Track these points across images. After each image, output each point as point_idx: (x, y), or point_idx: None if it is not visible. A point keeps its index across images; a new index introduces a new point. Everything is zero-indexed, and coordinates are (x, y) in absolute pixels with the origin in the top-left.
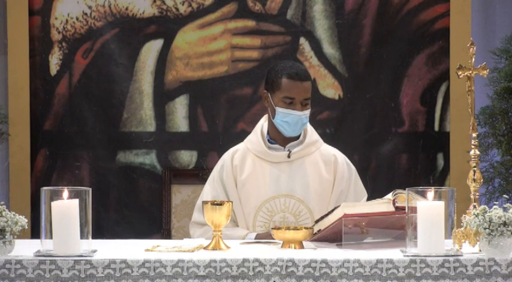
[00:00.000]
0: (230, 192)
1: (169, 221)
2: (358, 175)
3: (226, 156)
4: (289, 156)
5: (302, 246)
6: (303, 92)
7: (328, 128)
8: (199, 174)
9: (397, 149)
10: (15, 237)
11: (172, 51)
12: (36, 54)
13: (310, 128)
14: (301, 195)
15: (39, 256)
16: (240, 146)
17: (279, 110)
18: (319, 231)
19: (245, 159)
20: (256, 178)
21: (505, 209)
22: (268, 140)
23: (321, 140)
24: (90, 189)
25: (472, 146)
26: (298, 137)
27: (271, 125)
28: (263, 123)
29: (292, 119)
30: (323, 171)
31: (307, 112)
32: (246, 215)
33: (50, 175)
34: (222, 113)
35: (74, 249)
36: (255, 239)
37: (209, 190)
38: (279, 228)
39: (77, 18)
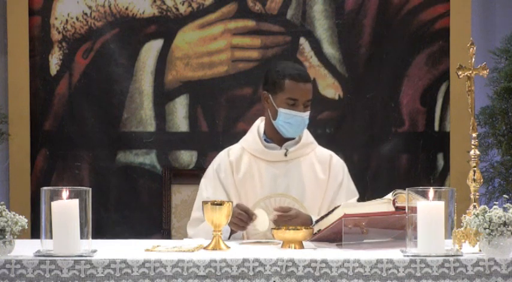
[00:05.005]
0: (228, 187)
1: (169, 221)
2: (350, 176)
3: (222, 154)
4: (286, 155)
5: (302, 246)
6: (306, 94)
7: (328, 128)
8: (199, 174)
9: (397, 149)
10: (15, 237)
11: (172, 51)
12: (36, 54)
13: (305, 130)
14: (297, 195)
15: (39, 256)
16: (234, 146)
17: (281, 111)
18: (319, 231)
19: (241, 158)
20: (252, 177)
21: (505, 209)
22: (264, 140)
23: (315, 143)
24: (90, 189)
25: (472, 146)
26: (294, 138)
27: (269, 126)
28: (259, 124)
29: (295, 120)
30: (318, 171)
31: (308, 113)
32: None
33: (50, 175)
34: (222, 113)
35: (74, 249)
36: None
37: (206, 188)
38: (279, 228)
39: (77, 18)
